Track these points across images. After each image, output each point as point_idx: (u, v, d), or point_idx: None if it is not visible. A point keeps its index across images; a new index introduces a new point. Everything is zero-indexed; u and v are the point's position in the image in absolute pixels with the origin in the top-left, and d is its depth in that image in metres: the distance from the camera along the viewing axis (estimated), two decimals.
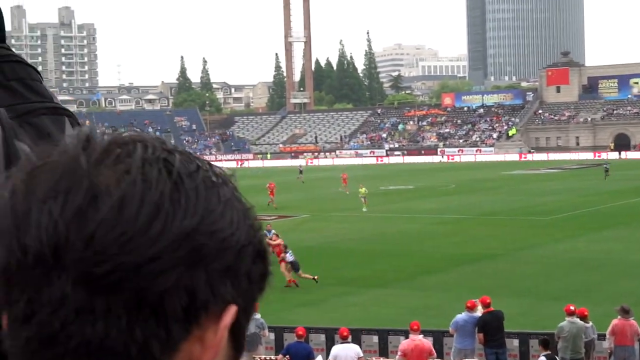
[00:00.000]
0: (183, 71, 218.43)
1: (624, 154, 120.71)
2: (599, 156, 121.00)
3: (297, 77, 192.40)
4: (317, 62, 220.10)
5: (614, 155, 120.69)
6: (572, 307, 17.14)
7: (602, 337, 17.56)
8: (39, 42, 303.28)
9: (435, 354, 16.99)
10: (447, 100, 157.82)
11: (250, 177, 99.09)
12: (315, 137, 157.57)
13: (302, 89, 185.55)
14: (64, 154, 0.93)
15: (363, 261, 33.22)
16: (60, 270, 0.90)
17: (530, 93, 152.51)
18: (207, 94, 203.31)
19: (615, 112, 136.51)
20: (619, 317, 17.11)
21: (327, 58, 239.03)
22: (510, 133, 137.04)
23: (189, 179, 0.94)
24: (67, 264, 0.90)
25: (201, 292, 0.93)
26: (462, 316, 18.01)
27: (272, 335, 20.02)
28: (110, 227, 0.89)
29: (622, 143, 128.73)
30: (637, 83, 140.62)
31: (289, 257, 28.55)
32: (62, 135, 1.09)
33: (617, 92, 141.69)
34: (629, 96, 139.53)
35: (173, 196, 0.92)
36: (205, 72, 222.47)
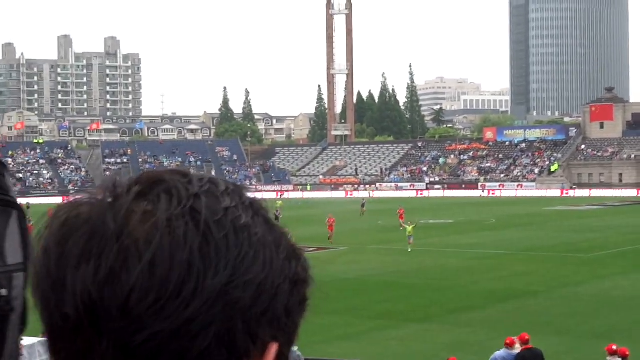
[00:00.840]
0: (225, 102, 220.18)
1: None
2: None
3: (338, 109, 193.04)
4: (359, 94, 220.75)
5: None
6: (614, 347, 16.85)
7: None
8: (84, 71, 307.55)
9: None
10: (489, 135, 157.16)
11: (292, 207, 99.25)
12: (356, 169, 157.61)
13: (343, 121, 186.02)
14: (92, 210, 0.94)
15: (402, 295, 33.02)
16: (100, 337, 0.91)
17: (573, 128, 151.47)
18: (248, 125, 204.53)
19: None
20: None
21: (369, 90, 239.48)
22: (552, 168, 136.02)
23: (218, 227, 0.94)
24: (105, 332, 0.91)
25: (240, 342, 0.93)
26: (500, 353, 17.80)
27: None
28: (143, 293, 0.90)
29: None
30: None
31: None
32: (4, 229, 1.06)
33: None
34: None
35: (203, 251, 0.92)
36: (247, 102, 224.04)
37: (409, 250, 47.67)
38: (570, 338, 24.90)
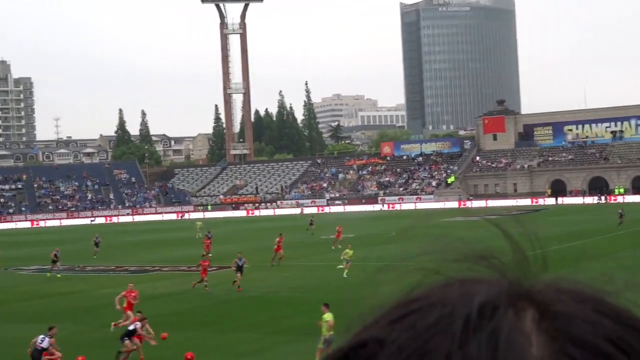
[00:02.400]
0: (122, 124, 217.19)
1: (560, 200, 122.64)
2: (536, 202, 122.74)
3: (236, 128, 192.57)
4: (257, 113, 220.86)
5: (550, 201, 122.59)
6: None
7: None
8: None
9: None
10: (387, 149, 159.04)
11: (190, 229, 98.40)
12: (256, 188, 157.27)
13: (241, 140, 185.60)
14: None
15: (304, 310, 32.93)
16: None
17: (468, 141, 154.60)
18: (146, 147, 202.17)
19: (550, 158, 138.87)
20: None
21: (267, 109, 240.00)
22: (449, 181, 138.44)
23: None
24: None
25: None
26: None
27: None
28: None
29: (558, 189, 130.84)
30: (570, 130, 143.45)
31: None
32: None
33: (552, 139, 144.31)
34: (564, 143, 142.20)
35: None
36: (144, 124, 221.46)
37: (345, 275, 43.23)
38: None
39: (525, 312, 0.90)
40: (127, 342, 23.87)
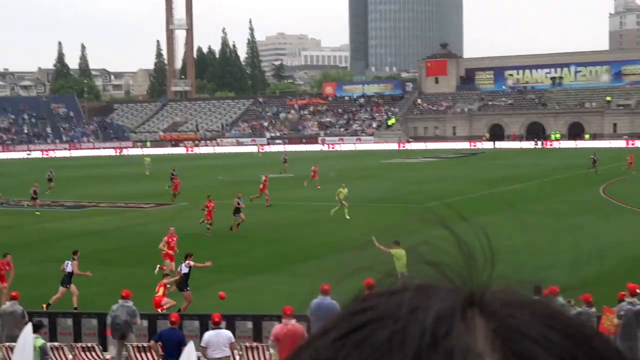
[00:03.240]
0: (61, 57, 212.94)
1: (498, 144, 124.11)
2: (474, 145, 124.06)
3: (178, 64, 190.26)
4: (200, 50, 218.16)
5: (489, 145, 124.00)
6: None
7: None
8: None
9: None
10: (329, 90, 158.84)
11: (129, 165, 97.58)
12: (197, 125, 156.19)
13: (183, 76, 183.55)
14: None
15: (241, 249, 33.09)
16: None
17: (410, 84, 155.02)
18: (85, 81, 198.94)
19: (490, 103, 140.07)
20: None
21: (210, 46, 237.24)
22: (389, 122, 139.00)
23: None
24: None
25: None
26: (316, 300, 18.00)
27: (145, 323, 19.67)
28: None
29: (496, 133, 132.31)
30: (511, 75, 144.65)
31: None
32: None
33: (492, 84, 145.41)
34: (504, 87, 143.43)
35: None
36: (83, 58, 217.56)
37: (347, 217, 41.10)
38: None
39: (477, 328, 0.90)
40: (186, 293, 23.81)
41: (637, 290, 16.66)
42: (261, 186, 49.70)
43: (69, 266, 24.15)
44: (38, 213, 46.89)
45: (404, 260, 21.57)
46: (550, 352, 0.86)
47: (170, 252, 28.09)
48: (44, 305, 23.27)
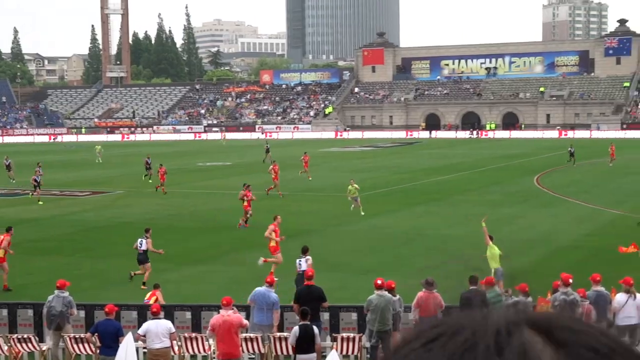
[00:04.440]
0: None
1: (434, 133, 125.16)
2: (411, 135, 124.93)
3: (113, 50, 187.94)
4: (135, 35, 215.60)
5: (425, 134, 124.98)
6: (379, 281, 17.53)
7: (408, 309, 18.08)
8: None
9: (248, 326, 17.07)
10: (266, 78, 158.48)
11: (64, 152, 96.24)
12: (133, 112, 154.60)
13: (118, 62, 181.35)
14: None
15: (179, 238, 32.92)
16: None
17: (347, 72, 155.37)
18: (18, 65, 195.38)
19: (426, 92, 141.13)
20: (423, 289, 17.67)
21: (146, 31, 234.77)
22: (327, 111, 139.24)
23: None
24: None
25: None
26: (260, 289, 18.03)
27: (82, 313, 19.48)
28: None
29: (432, 123, 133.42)
30: (447, 65, 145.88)
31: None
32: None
33: (428, 73, 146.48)
34: (439, 77, 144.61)
35: None
36: (16, 42, 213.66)
37: (362, 213, 38.46)
38: (343, 274, 25.73)
39: (537, 336, 1.03)
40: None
41: (570, 280, 17.00)
42: (273, 175, 47.28)
43: (142, 244, 25.01)
44: (41, 203, 45.08)
45: (497, 256, 21.82)
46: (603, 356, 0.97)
47: (277, 239, 26.17)
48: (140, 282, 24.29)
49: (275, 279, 18.91)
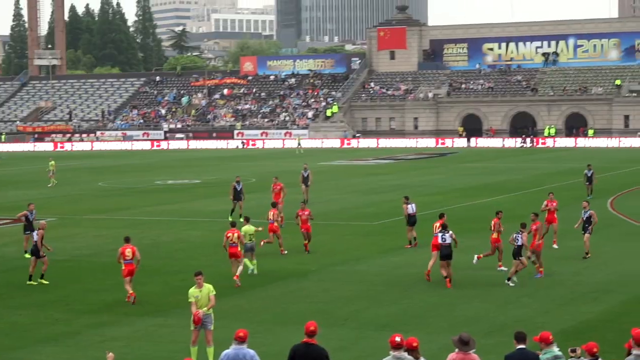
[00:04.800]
0: None
1: (474, 141, 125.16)
2: (443, 143, 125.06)
3: (44, 30, 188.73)
4: (73, 10, 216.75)
5: (461, 142, 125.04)
6: (397, 338, 17.41)
7: None
8: None
9: None
10: (248, 66, 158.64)
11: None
12: (69, 113, 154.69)
13: (50, 46, 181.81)
14: None
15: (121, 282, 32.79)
16: None
17: (357, 59, 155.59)
18: None
19: (463, 86, 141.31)
20: (456, 350, 17.56)
21: (87, 5, 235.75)
22: (329, 112, 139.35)
23: None
24: None
25: None
26: (229, 353, 17.79)
27: None
28: None
29: (472, 127, 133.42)
30: (491, 49, 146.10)
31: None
32: None
33: (466, 61, 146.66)
34: (480, 66, 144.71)
35: None
36: None
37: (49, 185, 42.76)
38: (348, 329, 25.63)
39: None
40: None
41: None
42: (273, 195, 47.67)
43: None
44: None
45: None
46: None
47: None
48: None
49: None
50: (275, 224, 38.43)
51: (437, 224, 33.27)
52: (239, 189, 49.51)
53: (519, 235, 31.22)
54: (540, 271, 32.46)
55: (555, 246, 37.63)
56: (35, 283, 32.15)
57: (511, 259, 31.42)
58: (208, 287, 22.80)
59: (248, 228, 33.17)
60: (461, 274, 32.53)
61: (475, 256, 33.72)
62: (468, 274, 32.78)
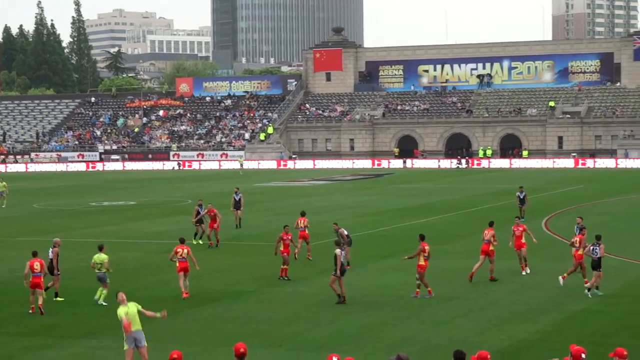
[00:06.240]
0: None
1: (409, 162, 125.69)
2: (379, 164, 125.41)
3: None
4: (7, 30, 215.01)
5: (397, 163, 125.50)
6: (334, 358, 17.41)
7: None
8: None
9: None
10: (184, 88, 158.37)
11: None
12: (3, 134, 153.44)
13: None
14: None
15: (61, 304, 32.51)
16: None
17: (293, 81, 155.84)
18: None
19: (399, 107, 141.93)
20: None
21: (21, 26, 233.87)
22: (262, 135, 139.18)
23: None
24: None
25: None
26: None
27: None
28: None
29: (407, 148, 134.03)
30: (426, 71, 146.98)
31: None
32: None
33: (402, 83, 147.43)
34: (414, 88, 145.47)
35: None
36: None
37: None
38: (285, 350, 25.58)
39: None
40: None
41: (584, 356, 17.00)
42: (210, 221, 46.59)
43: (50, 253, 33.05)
44: None
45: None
46: None
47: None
48: None
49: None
50: (307, 231, 40.92)
51: (486, 232, 36.07)
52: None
53: (597, 248, 32.02)
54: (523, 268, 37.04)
55: (524, 272, 37.28)
56: (62, 299, 32.87)
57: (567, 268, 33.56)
58: (134, 304, 22.69)
59: (99, 257, 32.45)
60: (396, 294, 32.61)
61: (560, 277, 34.48)
62: (402, 294, 32.87)
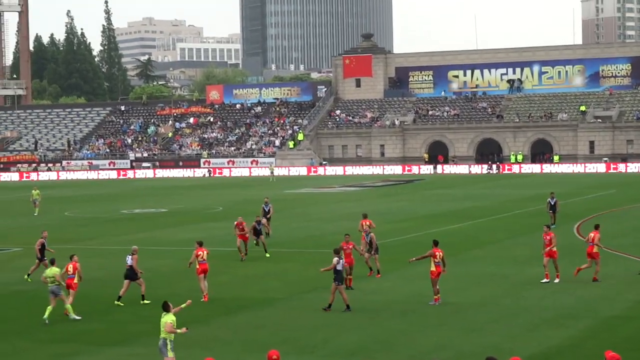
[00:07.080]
0: None
1: (440, 168, 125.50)
2: (409, 170, 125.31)
3: (8, 59, 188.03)
4: (38, 39, 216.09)
5: (428, 169, 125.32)
6: None
7: None
8: None
9: None
10: (214, 95, 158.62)
11: None
12: (35, 143, 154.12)
13: (15, 76, 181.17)
14: None
15: (96, 310, 32.67)
16: None
17: (323, 87, 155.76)
18: None
19: (430, 113, 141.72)
20: None
21: (52, 35, 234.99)
22: (291, 143, 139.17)
23: None
24: None
25: None
26: None
27: None
28: None
29: (438, 153, 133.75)
30: (456, 77, 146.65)
31: None
32: None
33: (432, 89, 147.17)
34: (445, 94, 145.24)
35: None
36: None
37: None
38: (317, 357, 25.61)
39: None
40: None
41: None
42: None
43: (129, 260, 33.54)
44: None
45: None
46: None
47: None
48: None
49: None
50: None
51: (592, 235, 36.81)
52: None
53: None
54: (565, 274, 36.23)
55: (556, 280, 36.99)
56: (122, 304, 33.32)
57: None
58: (169, 315, 22.88)
59: (50, 270, 32.05)
60: (426, 301, 32.59)
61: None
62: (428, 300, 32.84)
